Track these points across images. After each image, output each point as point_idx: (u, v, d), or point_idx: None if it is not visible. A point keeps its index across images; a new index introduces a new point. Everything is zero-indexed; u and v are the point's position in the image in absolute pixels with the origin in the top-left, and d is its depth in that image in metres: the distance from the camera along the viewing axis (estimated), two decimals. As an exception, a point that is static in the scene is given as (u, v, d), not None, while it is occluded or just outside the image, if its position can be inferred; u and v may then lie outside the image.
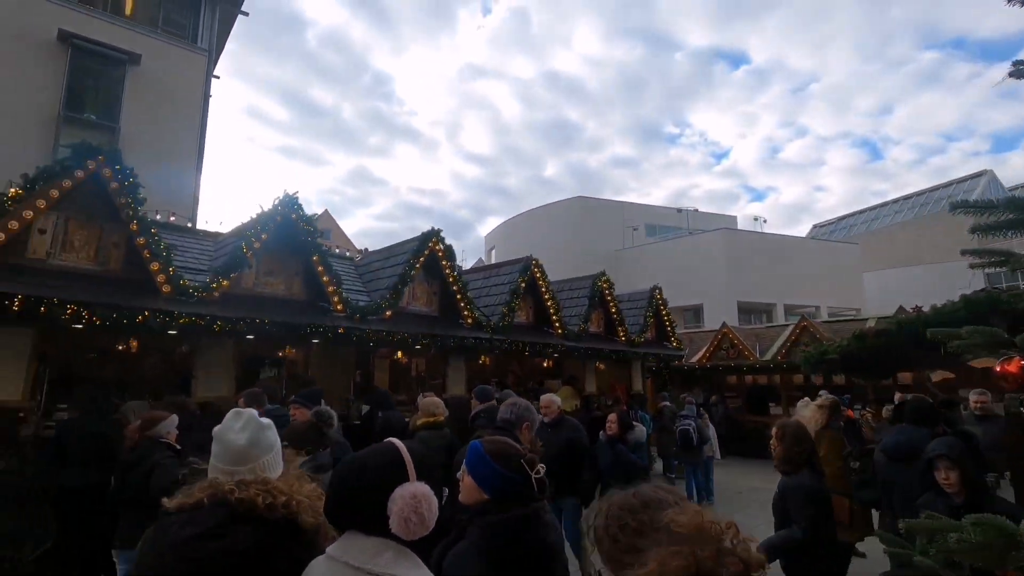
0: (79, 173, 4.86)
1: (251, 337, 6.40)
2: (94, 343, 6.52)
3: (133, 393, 5.74)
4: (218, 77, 17.12)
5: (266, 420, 1.51)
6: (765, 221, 43.16)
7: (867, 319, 14.81)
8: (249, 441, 1.45)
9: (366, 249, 11.17)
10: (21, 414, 5.05)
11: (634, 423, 6.35)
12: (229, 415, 1.52)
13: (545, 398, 5.03)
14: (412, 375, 10.51)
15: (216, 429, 1.50)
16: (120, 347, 6.33)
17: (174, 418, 3.80)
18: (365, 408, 7.25)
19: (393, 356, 9.47)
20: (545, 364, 11.01)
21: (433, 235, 7.60)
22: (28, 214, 4.63)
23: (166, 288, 5.28)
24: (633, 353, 10.86)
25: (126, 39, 14.31)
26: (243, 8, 17.06)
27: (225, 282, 5.64)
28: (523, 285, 8.77)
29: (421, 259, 7.45)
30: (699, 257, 30.61)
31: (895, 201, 44.72)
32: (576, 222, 36.11)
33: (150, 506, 3.49)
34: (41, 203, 4.69)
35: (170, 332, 6.01)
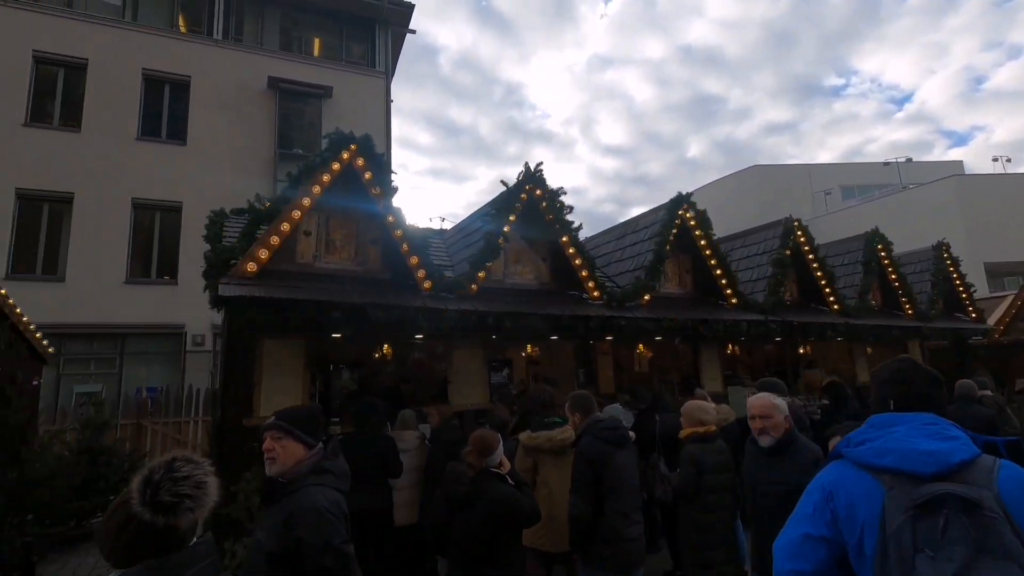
0: (335, 165, 4.44)
1: (494, 336, 5.72)
2: (348, 351, 6.35)
3: (400, 403, 5.29)
4: (392, 100, 17.75)
5: None
6: (1008, 160, 34.07)
7: None
8: None
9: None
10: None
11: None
12: None
13: (758, 402, 2.99)
14: (636, 370, 9.34)
15: None
16: (376, 355, 6.03)
17: (500, 446, 2.98)
18: (624, 412, 6.16)
19: (618, 350, 8.35)
20: (801, 351, 9.03)
21: (684, 201, 6.29)
22: (296, 214, 4.30)
23: (427, 284, 4.69)
24: (929, 330, 8.37)
25: (318, 75, 15.41)
26: (409, 27, 17.59)
27: (482, 274, 4.93)
28: (788, 254, 7.04)
29: (674, 231, 6.18)
30: (922, 215, 25.07)
31: None
32: (754, 194, 32.20)
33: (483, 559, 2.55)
34: (306, 200, 4.34)
35: (417, 336, 5.56)
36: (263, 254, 4.10)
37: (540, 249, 5.67)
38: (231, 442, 4.59)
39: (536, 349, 6.75)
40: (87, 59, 12.95)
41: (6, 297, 4.96)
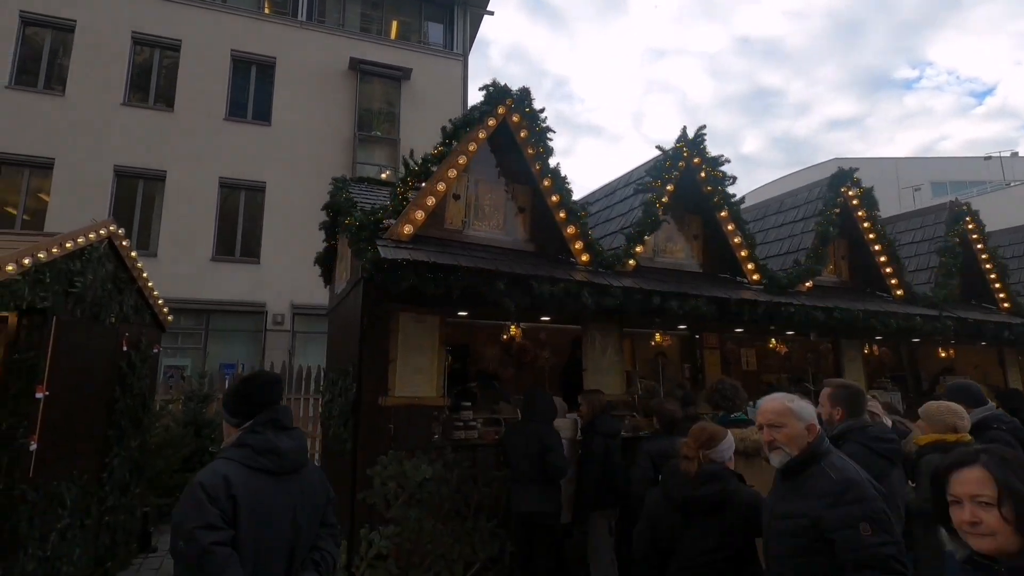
0: (491, 121, 3.98)
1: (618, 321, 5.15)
2: (453, 332, 5.94)
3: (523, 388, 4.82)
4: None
5: None
6: None
7: None
8: None
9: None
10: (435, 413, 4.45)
11: None
12: None
13: (769, 405, 2.15)
14: (743, 368, 8.63)
15: None
16: (504, 336, 5.60)
17: (731, 439, 2.47)
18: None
19: (725, 344, 7.65)
20: (943, 353, 8.06)
21: (847, 178, 5.54)
22: (452, 173, 3.86)
23: (584, 258, 4.18)
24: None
25: (398, 57, 15.18)
26: (488, 8, 17.15)
27: (639, 248, 4.38)
28: (958, 243, 6.16)
29: (837, 210, 5.44)
30: (1031, 215, 22.84)
31: None
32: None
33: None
34: (462, 159, 3.90)
35: (544, 318, 5.08)
36: (419, 215, 3.69)
37: (692, 224, 5.07)
38: (368, 423, 4.23)
39: (668, 338, 6.15)
40: (180, 40, 13.12)
41: (135, 260, 4.76)
